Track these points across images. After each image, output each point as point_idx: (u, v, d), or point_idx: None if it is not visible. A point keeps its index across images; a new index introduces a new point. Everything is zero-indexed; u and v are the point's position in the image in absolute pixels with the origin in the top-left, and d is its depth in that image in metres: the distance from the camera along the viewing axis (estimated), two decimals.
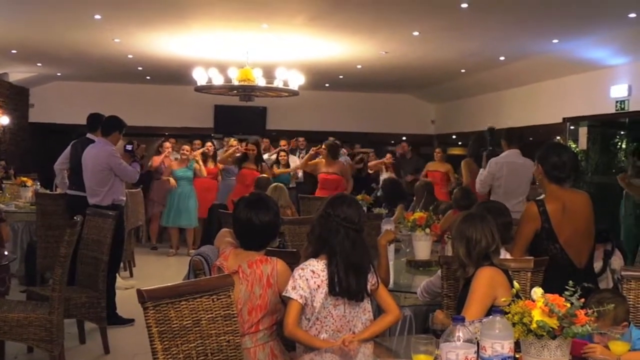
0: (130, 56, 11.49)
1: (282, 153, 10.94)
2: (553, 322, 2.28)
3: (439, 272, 3.81)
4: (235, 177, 10.24)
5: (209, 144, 10.90)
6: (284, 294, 3.21)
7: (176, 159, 10.74)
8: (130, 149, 7.33)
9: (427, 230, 4.97)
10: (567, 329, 2.29)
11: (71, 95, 14.80)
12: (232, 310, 2.92)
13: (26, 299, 5.63)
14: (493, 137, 7.85)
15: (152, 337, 2.61)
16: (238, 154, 10.14)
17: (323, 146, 9.83)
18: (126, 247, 7.84)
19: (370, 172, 11.70)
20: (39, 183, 9.64)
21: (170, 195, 10.47)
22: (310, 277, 3.20)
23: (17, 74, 13.87)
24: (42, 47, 10.94)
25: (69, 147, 7.25)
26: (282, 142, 11.63)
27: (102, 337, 5.59)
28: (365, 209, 6.73)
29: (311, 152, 10.51)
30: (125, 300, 6.54)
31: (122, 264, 8.08)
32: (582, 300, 2.39)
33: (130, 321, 6.43)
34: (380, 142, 12.09)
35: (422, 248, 5.02)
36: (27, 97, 15.26)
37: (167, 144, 10.99)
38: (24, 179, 9.49)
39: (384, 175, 10.97)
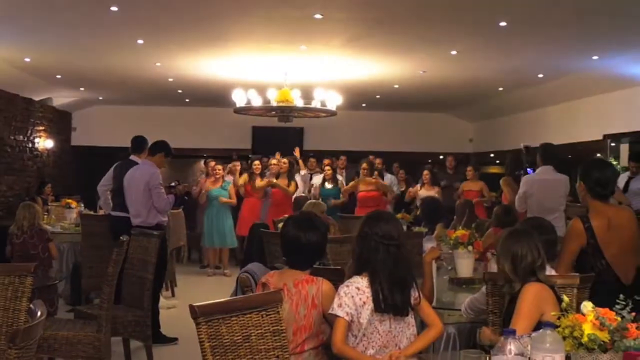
0: (170, 79, 11.71)
1: (327, 169, 10.69)
2: (604, 336, 2.28)
3: (483, 288, 3.79)
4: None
5: (256, 162, 10.82)
6: (330, 311, 3.22)
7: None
8: (173, 185, 7.61)
9: (470, 247, 4.96)
10: (618, 343, 2.28)
11: (112, 119, 15.15)
12: (281, 326, 2.95)
13: (74, 317, 5.74)
14: (529, 156, 7.80)
15: (205, 352, 2.66)
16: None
17: (364, 165, 9.78)
18: (168, 267, 7.94)
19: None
20: (83, 204, 9.82)
21: (205, 215, 10.51)
22: (356, 294, 3.22)
23: (60, 99, 14.21)
24: (86, 72, 11.21)
25: (111, 169, 7.35)
26: (326, 162, 11.22)
27: (147, 355, 5.65)
28: (405, 227, 6.75)
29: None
30: (169, 320, 6.62)
31: (164, 284, 8.18)
32: (634, 314, 2.38)
33: (173, 340, 6.49)
34: (418, 161, 12.09)
35: (465, 265, 5.00)
36: (70, 121, 15.64)
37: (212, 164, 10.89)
38: (69, 200, 9.67)
39: (422, 193, 10.87)
